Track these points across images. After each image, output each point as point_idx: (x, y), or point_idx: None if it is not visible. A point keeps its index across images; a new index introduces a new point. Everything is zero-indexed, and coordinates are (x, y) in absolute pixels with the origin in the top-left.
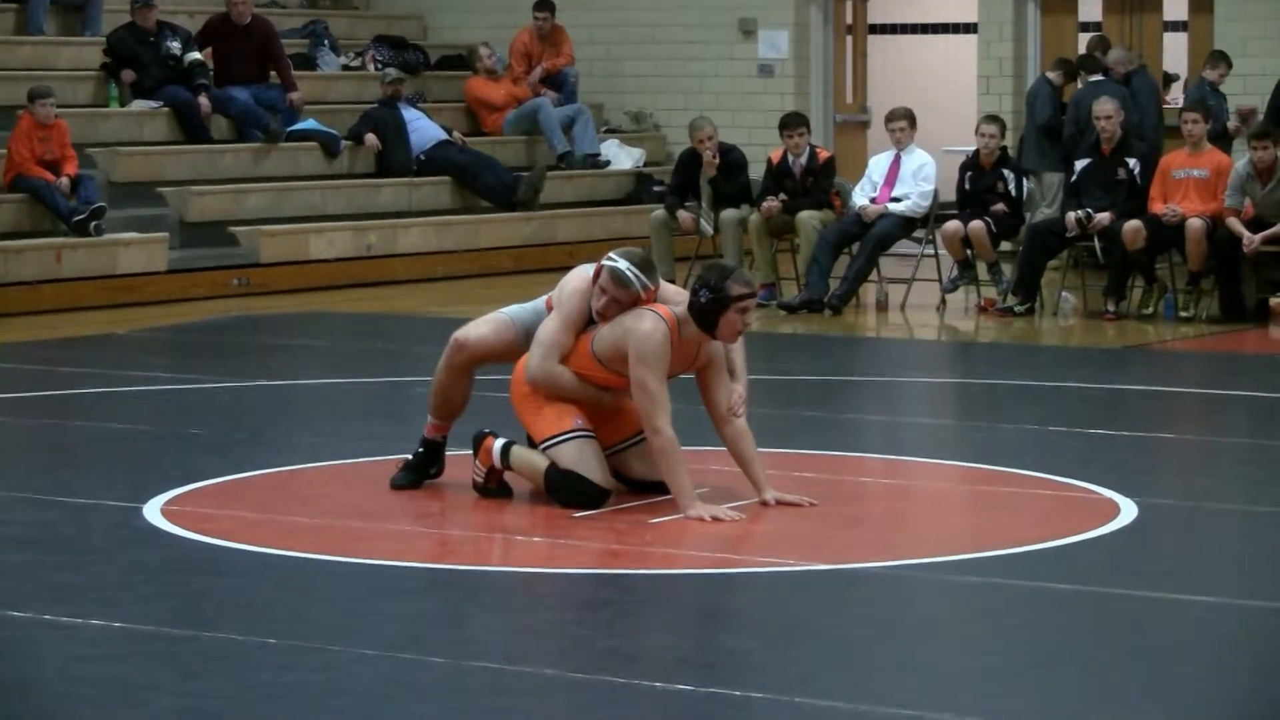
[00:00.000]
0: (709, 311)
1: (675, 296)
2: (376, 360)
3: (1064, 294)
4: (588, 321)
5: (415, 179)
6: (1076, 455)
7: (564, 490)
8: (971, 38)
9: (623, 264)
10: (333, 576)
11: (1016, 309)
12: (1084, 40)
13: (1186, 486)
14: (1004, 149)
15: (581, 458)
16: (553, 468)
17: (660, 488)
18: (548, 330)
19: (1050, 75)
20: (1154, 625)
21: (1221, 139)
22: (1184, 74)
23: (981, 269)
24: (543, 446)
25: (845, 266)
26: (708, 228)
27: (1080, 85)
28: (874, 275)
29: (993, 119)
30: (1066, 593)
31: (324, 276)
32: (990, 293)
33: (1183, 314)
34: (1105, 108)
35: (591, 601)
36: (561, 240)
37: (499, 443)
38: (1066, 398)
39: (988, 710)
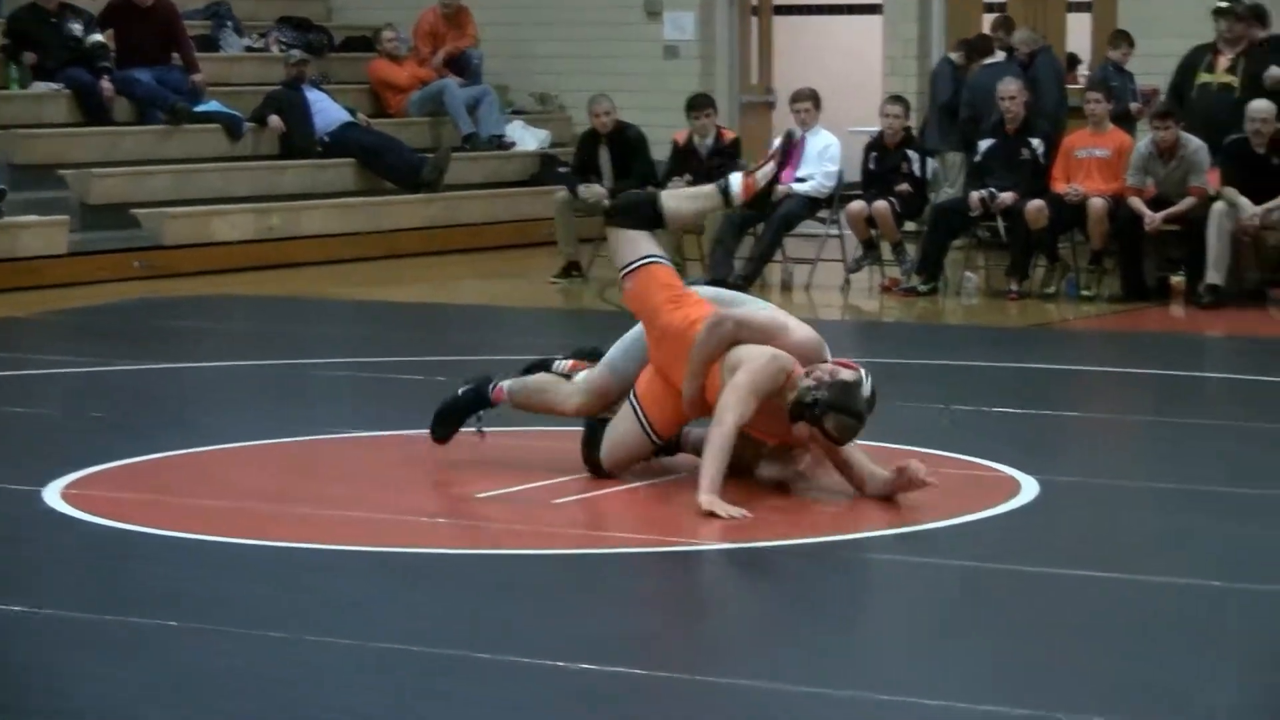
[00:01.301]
0: (802, 409)
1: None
2: (281, 343)
3: (967, 273)
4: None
5: (319, 161)
6: (979, 433)
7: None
8: (876, 18)
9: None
10: (237, 560)
11: (920, 288)
12: (989, 21)
13: (1088, 464)
14: (908, 129)
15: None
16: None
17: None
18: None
19: (953, 56)
20: (1055, 601)
21: (1125, 119)
22: (1088, 55)
23: (886, 249)
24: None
25: (750, 247)
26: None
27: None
28: (779, 255)
29: (897, 100)
30: (969, 569)
31: (227, 259)
32: (894, 272)
33: (1085, 293)
34: (1009, 88)
35: (495, 582)
36: (467, 222)
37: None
38: (969, 376)
39: (891, 686)
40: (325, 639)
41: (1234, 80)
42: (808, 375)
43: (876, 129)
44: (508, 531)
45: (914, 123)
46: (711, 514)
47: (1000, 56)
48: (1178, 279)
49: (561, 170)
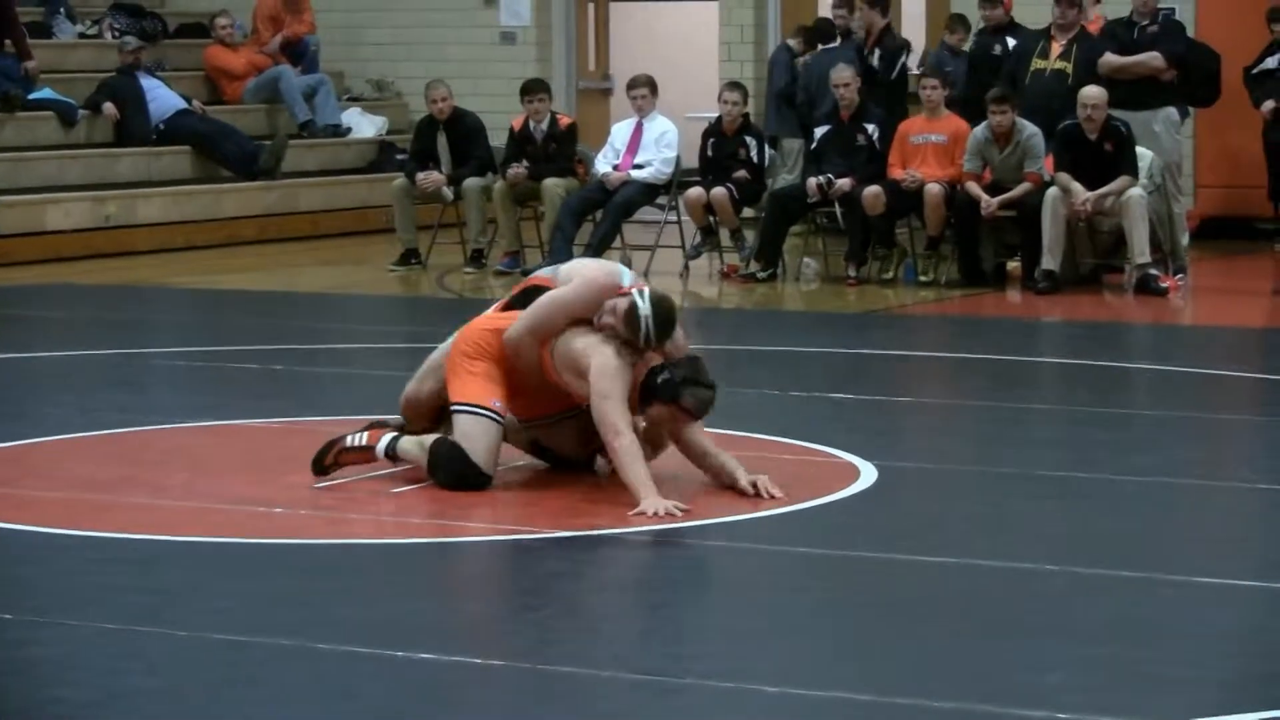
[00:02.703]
0: (654, 390)
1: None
2: (117, 332)
3: (806, 260)
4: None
5: (155, 148)
6: (818, 419)
7: (446, 466)
8: (713, 5)
9: (645, 309)
10: (71, 550)
11: (759, 275)
12: (826, 7)
13: (925, 449)
14: (746, 116)
15: (476, 438)
16: (440, 440)
17: (584, 465)
18: (546, 307)
19: (790, 42)
20: (893, 586)
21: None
22: (924, 39)
23: (724, 235)
24: (452, 408)
25: (589, 234)
26: (448, 193)
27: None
28: (618, 242)
29: (735, 86)
30: (809, 555)
31: (62, 248)
32: (733, 259)
33: (922, 278)
34: (843, 75)
35: (333, 571)
36: (304, 209)
37: (387, 436)
38: (808, 362)
39: (733, 673)
40: (160, 630)
41: (1067, 66)
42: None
43: (714, 115)
44: (345, 521)
45: (752, 109)
46: (661, 514)
47: (838, 41)
48: (1014, 264)
49: (399, 157)
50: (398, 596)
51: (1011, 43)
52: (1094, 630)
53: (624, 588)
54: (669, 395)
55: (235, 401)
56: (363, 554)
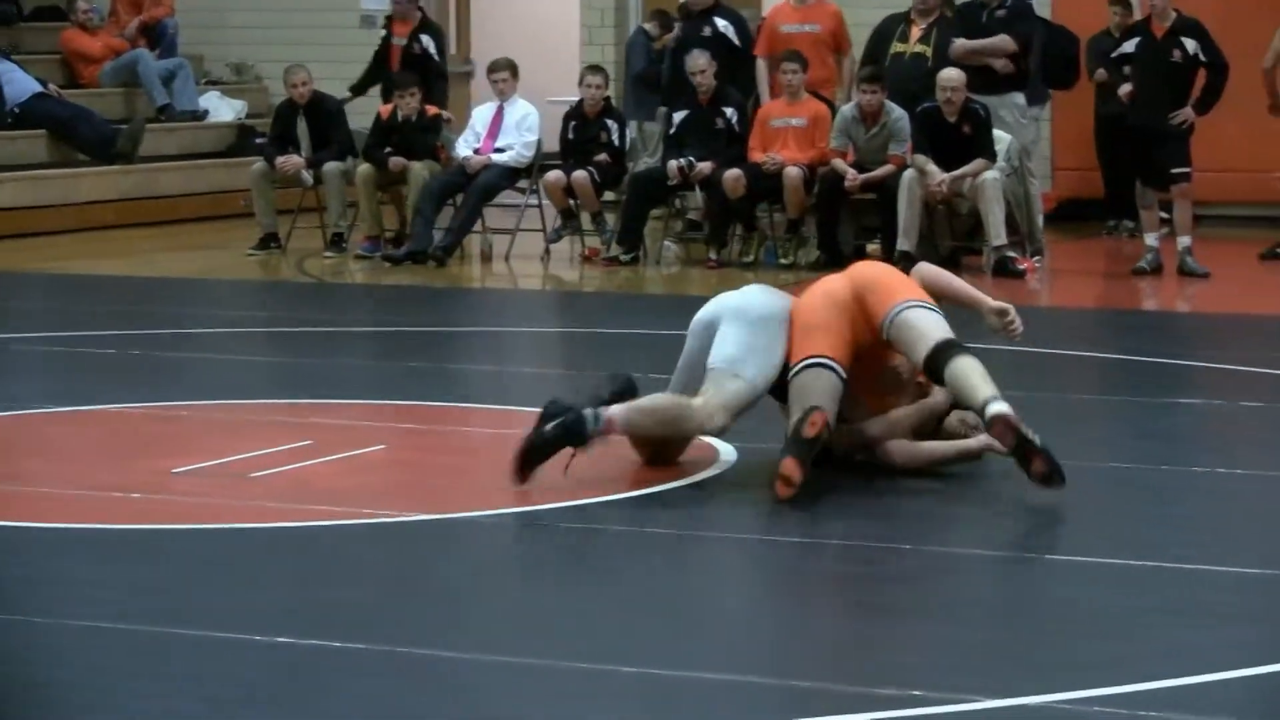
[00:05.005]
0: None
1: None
2: None
3: (666, 243)
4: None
5: (10, 132)
6: None
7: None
8: None
9: None
10: None
11: (621, 258)
12: None
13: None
14: (608, 99)
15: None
16: None
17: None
18: None
19: (647, 26)
20: (754, 566)
21: None
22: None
23: (585, 219)
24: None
25: (449, 217)
26: (307, 177)
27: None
28: (478, 226)
29: (596, 69)
30: (669, 536)
31: None
32: (594, 242)
33: (783, 261)
34: (698, 63)
35: (191, 558)
36: (163, 193)
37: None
38: (669, 345)
39: (593, 654)
40: (20, 617)
41: (927, 50)
42: None
43: (574, 99)
44: (204, 506)
45: (613, 93)
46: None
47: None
48: (873, 247)
49: (258, 141)
50: (258, 582)
51: (721, 23)
52: (952, 610)
53: (487, 570)
54: None
55: (93, 387)
56: (222, 539)
